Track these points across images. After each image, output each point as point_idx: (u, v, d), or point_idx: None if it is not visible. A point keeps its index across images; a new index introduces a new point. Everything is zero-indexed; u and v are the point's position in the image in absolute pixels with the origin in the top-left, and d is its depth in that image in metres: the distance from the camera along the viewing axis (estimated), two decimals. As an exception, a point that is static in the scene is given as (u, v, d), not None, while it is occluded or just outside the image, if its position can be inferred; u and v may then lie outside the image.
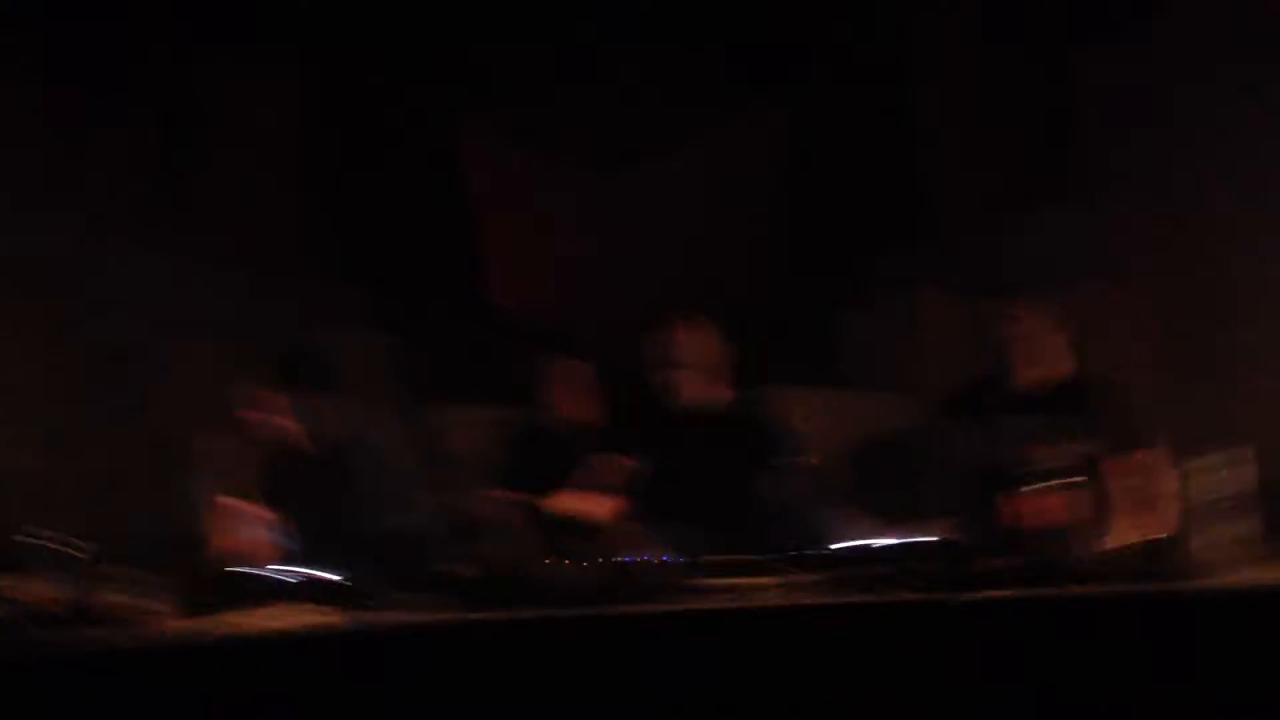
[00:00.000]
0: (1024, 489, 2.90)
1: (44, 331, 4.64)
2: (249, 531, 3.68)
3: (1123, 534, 2.76)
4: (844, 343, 5.97)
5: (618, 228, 6.18)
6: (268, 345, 4.33)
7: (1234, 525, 2.59)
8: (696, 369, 3.71)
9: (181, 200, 5.32)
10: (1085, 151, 6.09)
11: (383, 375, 5.41)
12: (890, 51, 6.46)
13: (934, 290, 5.87)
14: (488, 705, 2.59)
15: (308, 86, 5.91)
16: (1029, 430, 3.57)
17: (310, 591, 3.08)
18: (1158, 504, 3.42)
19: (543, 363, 4.06)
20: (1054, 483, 2.88)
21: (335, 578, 3.12)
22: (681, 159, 6.25)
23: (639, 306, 5.52)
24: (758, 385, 4.59)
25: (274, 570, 3.28)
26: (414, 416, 5.02)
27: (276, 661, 2.66)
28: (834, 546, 2.89)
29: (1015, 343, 3.62)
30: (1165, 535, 2.87)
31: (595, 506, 3.59)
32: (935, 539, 2.81)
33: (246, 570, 3.51)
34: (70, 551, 2.95)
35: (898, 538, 2.89)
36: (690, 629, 2.59)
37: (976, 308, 3.73)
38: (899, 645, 2.52)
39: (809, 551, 2.91)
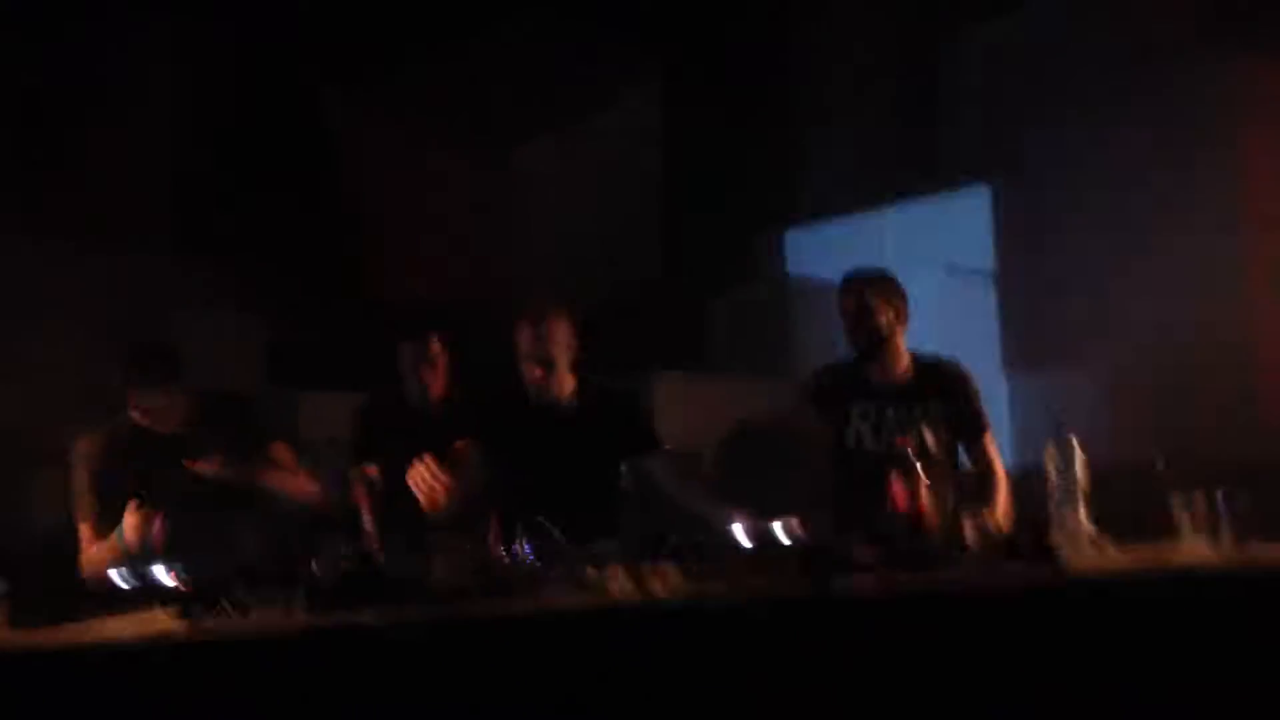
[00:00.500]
0: (885, 477, 2.92)
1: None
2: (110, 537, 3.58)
3: (975, 520, 2.80)
4: (718, 329, 6.00)
5: (491, 212, 6.15)
6: (127, 329, 4.18)
7: (1076, 511, 2.65)
8: (556, 362, 3.71)
9: (39, 173, 5.10)
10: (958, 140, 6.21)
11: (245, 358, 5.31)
12: (769, 39, 6.50)
13: (806, 276, 5.92)
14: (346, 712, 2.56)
15: (177, 55, 5.73)
16: (888, 418, 3.63)
17: (161, 596, 3.01)
18: (1001, 489, 3.52)
19: (405, 344, 4.01)
20: (914, 470, 2.91)
21: (187, 582, 3.05)
22: (557, 144, 6.23)
23: (510, 291, 5.50)
24: (631, 372, 4.59)
25: (124, 575, 3.20)
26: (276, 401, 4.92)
27: (121, 670, 2.59)
28: (693, 539, 2.89)
29: (868, 330, 3.66)
30: (1010, 521, 2.92)
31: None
32: (793, 529, 2.82)
33: (96, 577, 3.42)
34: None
35: (759, 527, 2.90)
36: (548, 627, 2.58)
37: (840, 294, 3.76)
38: (756, 638, 2.53)
39: (670, 544, 2.91)
